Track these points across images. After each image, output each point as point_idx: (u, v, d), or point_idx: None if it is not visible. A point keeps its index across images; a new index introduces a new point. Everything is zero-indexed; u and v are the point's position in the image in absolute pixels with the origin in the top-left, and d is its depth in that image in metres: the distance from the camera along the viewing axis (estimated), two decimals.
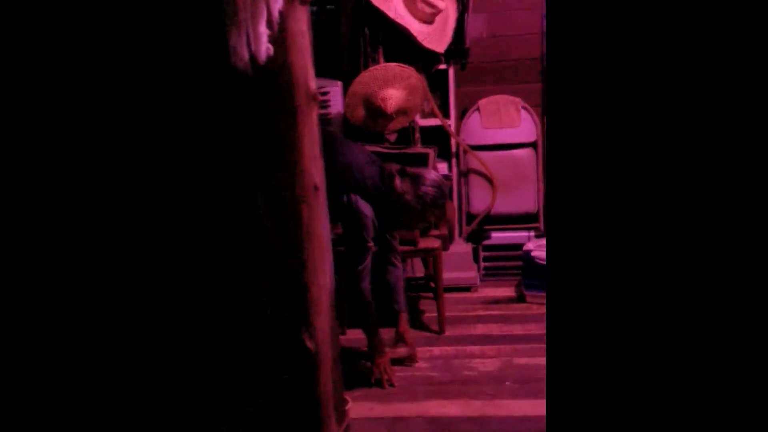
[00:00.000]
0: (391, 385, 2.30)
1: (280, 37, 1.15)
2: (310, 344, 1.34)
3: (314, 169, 1.28)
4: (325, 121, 3.17)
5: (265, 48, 1.11)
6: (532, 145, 3.65)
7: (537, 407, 2.08)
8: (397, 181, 2.21)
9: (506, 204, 3.63)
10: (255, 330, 1.29)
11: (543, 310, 2.82)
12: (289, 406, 1.40)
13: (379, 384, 2.30)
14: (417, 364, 2.50)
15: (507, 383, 2.28)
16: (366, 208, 2.22)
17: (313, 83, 1.24)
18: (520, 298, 3.21)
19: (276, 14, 1.09)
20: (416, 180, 2.21)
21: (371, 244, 2.28)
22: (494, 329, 2.82)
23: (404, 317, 2.54)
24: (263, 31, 1.09)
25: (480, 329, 2.83)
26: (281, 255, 1.25)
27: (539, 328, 2.78)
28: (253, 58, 1.11)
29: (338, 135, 2.57)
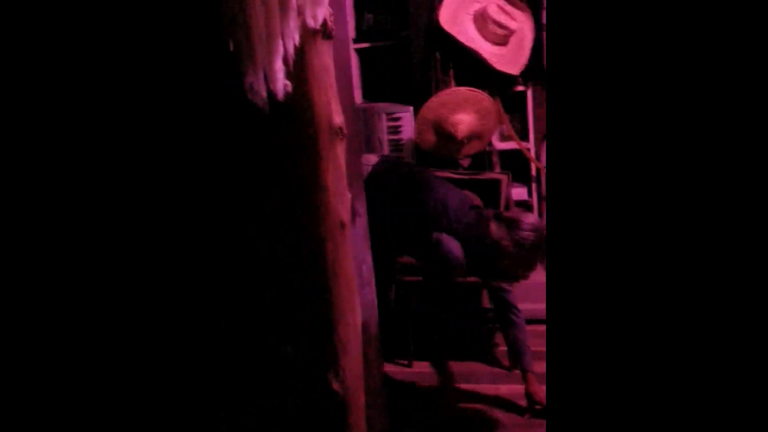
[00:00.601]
0: None
1: (302, 73, 1.13)
2: (336, 386, 1.29)
3: (341, 205, 1.24)
4: (396, 147, 3.14)
5: (282, 85, 1.08)
6: None
7: None
8: (493, 227, 2.06)
9: None
10: (278, 371, 1.27)
11: None
12: None
13: None
14: (480, 403, 2.39)
15: None
16: (457, 249, 2.10)
17: (339, 117, 1.21)
18: None
19: (291, 50, 1.07)
20: (512, 224, 2.05)
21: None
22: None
23: (532, 377, 2.31)
24: (279, 67, 1.07)
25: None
26: (303, 294, 1.22)
27: None
28: (271, 95, 1.10)
29: (432, 175, 2.44)
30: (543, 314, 3.20)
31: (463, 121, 2.88)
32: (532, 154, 3.40)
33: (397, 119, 3.08)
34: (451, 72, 3.08)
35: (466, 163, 3.26)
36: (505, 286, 2.31)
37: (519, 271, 2.09)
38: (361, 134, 3.03)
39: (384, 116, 3.10)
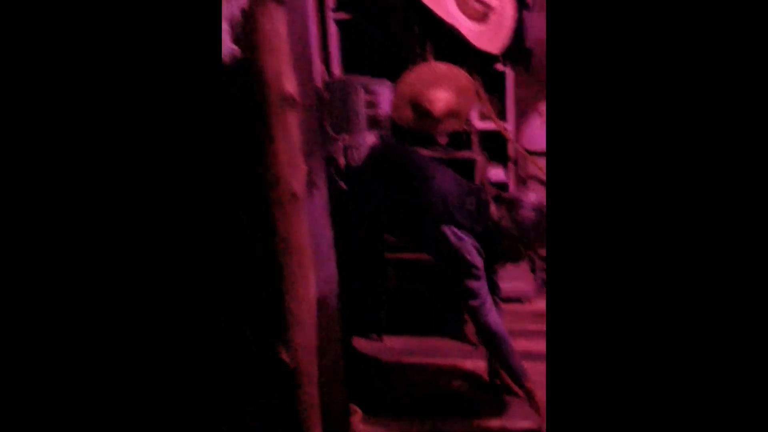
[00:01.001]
0: None
1: (251, 37, 1.10)
2: (286, 358, 1.28)
3: (292, 176, 1.22)
4: (373, 122, 3.11)
5: (228, 49, 1.05)
6: None
7: None
8: (492, 208, 2.03)
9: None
10: (228, 343, 1.25)
11: None
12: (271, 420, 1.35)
13: None
14: (442, 378, 2.40)
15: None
16: (468, 237, 2.02)
17: (291, 86, 1.18)
18: None
19: (237, 13, 1.04)
20: (512, 204, 2.03)
21: (478, 271, 2.01)
22: (536, 345, 2.65)
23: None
24: (225, 30, 1.04)
25: (521, 344, 2.68)
26: (252, 265, 1.21)
27: None
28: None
29: (429, 160, 2.34)
30: (516, 294, 3.24)
31: (440, 98, 2.85)
32: (511, 134, 3.38)
33: (374, 93, 3.03)
34: (429, 47, 3.04)
35: (443, 141, 3.23)
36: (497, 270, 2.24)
37: (520, 251, 2.07)
38: (338, 108, 2.99)
39: (361, 90, 3.05)
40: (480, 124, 3.31)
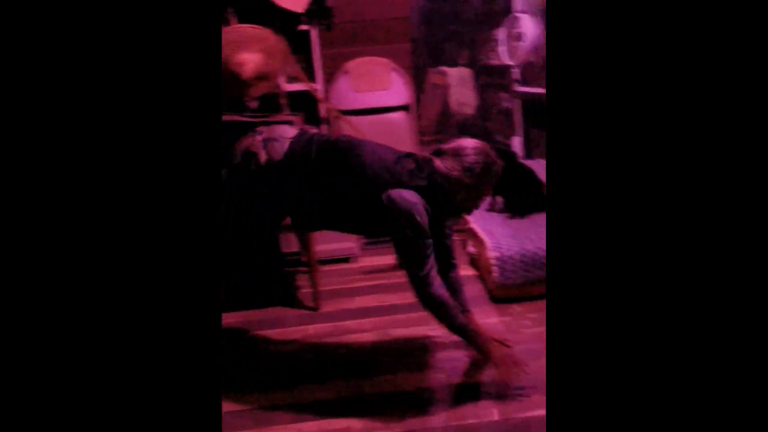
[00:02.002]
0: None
1: None
2: None
3: None
4: None
5: None
6: (405, 107, 3.56)
7: (414, 380, 2.02)
8: (437, 162, 1.94)
9: None
10: None
11: None
12: None
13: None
14: (290, 347, 2.37)
15: (384, 359, 2.20)
16: (410, 195, 1.91)
17: None
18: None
19: None
20: (457, 153, 1.94)
21: (429, 236, 1.93)
22: (372, 301, 2.73)
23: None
24: None
25: (357, 302, 2.74)
26: None
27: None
28: None
29: (352, 138, 2.15)
30: (342, 253, 3.27)
31: (249, 61, 2.72)
32: (321, 94, 3.37)
33: None
34: (230, 9, 2.88)
35: (253, 105, 3.11)
36: (447, 231, 2.17)
37: (474, 200, 2.01)
38: None
39: None
40: (288, 86, 3.24)
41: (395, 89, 3.52)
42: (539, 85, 3.96)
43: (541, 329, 2.27)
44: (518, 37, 4.16)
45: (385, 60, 3.49)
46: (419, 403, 1.90)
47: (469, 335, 1.97)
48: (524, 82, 4.13)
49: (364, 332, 2.42)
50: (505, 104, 4.58)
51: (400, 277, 2.93)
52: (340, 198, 2.00)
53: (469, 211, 2.08)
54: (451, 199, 1.95)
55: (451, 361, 2.14)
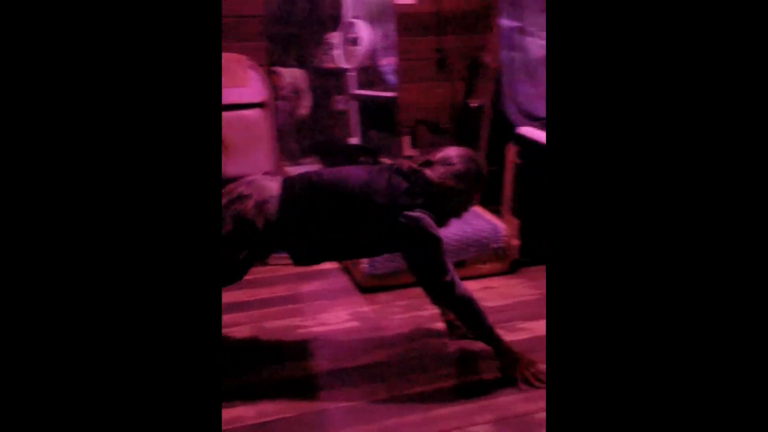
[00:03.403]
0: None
1: None
2: None
3: None
4: None
5: None
6: (262, 105, 3.60)
7: (295, 369, 2.13)
8: (428, 172, 1.95)
9: (240, 166, 3.53)
10: None
11: (289, 270, 2.85)
12: None
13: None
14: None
15: (263, 349, 2.27)
16: (420, 212, 1.91)
17: None
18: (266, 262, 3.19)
19: None
20: (446, 161, 1.98)
21: (443, 241, 1.92)
22: (242, 296, 2.76)
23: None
24: None
25: (227, 297, 2.75)
26: None
27: (285, 290, 2.82)
28: None
29: (336, 172, 2.09)
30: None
31: None
32: None
33: None
34: None
35: None
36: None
37: (465, 203, 2.06)
38: None
39: None
40: None
41: (253, 86, 3.55)
42: (375, 89, 4.22)
43: (410, 314, 2.49)
44: (354, 41, 4.39)
45: (242, 57, 3.50)
46: (310, 388, 2.00)
47: (493, 337, 1.99)
48: (360, 85, 4.37)
49: (240, 325, 2.46)
50: (341, 106, 4.79)
51: (268, 271, 3.03)
52: (340, 230, 2.01)
53: (459, 215, 2.13)
54: (447, 205, 2.03)
55: (332, 348, 2.27)
